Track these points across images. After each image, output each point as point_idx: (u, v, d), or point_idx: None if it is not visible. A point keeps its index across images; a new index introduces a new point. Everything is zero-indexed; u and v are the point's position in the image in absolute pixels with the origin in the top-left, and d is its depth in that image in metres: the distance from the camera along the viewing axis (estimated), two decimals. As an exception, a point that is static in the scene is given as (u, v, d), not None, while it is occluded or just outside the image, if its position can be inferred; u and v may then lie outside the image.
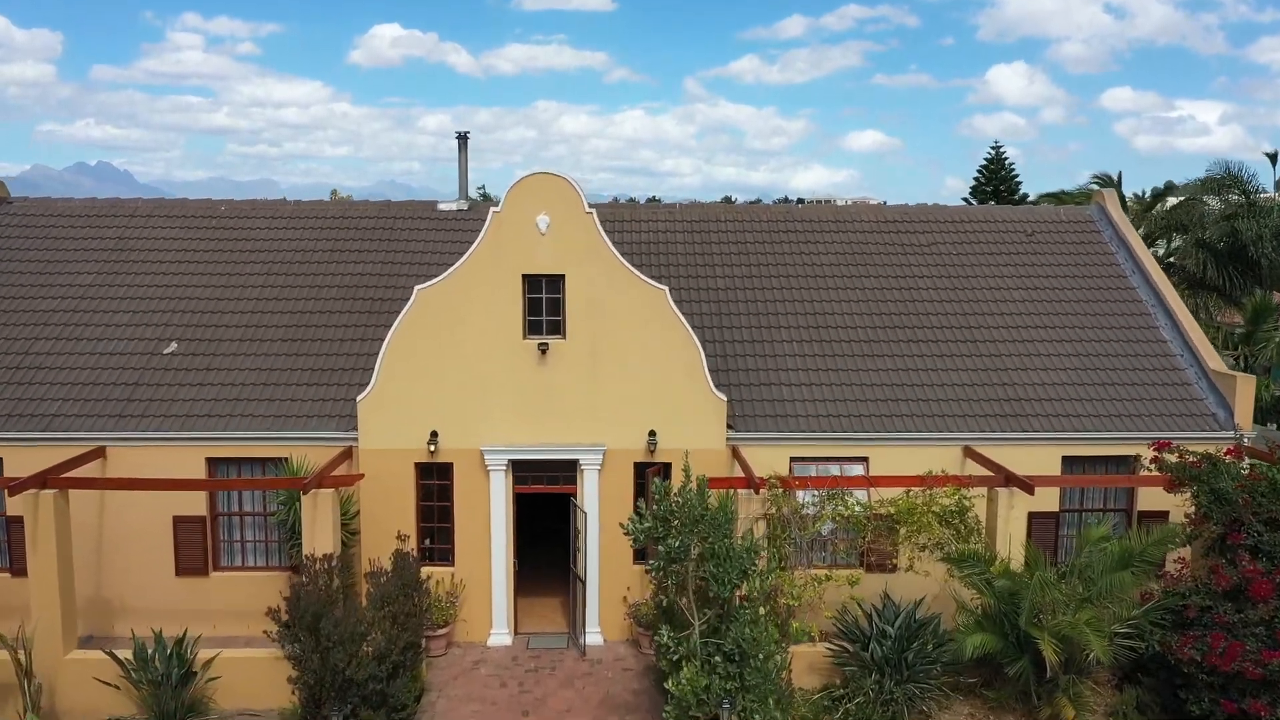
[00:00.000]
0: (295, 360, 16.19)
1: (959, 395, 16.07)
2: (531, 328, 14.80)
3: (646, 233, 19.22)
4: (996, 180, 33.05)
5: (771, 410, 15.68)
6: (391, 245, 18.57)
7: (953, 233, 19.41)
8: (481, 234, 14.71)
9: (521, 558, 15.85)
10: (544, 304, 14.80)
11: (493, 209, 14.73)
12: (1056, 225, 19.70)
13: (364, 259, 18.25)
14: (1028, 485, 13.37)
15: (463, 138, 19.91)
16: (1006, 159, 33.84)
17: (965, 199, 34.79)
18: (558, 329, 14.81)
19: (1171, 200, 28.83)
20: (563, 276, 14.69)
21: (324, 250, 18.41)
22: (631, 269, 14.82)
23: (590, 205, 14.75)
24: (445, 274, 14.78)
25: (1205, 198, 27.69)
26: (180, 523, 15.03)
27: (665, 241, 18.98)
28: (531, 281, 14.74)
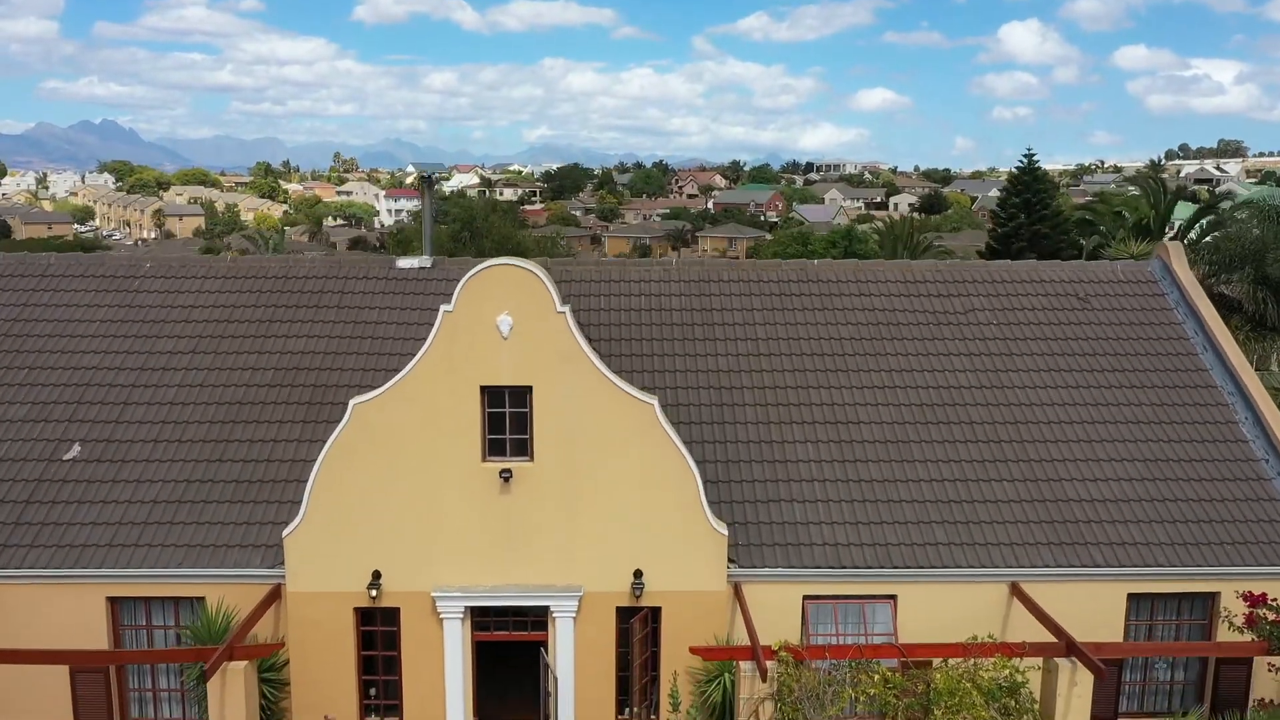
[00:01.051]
0: (219, 468, 13.71)
1: (1004, 515, 13.55)
2: (492, 448, 12.28)
3: (638, 295, 16.59)
4: (1029, 192, 30.26)
5: (781, 536, 13.19)
6: (342, 312, 15.98)
7: (992, 295, 16.75)
8: (430, 337, 12.14)
9: (491, 706, 13.45)
10: (507, 420, 12.26)
11: (443, 308, 12.14)
12: (1113, 286, 17.00)
13: (309, 330, 15.68)
14: (1097, 668, 10.90)
15: (426, 180, 17.28)
16: (1038, 166, 31.01)
17: (993, 211, 32.04)
18: (524, 449, 12.28)
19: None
20: (529, 388, 12.15)
21: (262, 320, 15.84)
22: (614, 378, 12.25)
23: (563, 306, 12.12)
24: (387, 385, 12.24)
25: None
26: (79, 675, 12.65)
27: (660, 308, 16.35)
28: (492, 394, 12.19)
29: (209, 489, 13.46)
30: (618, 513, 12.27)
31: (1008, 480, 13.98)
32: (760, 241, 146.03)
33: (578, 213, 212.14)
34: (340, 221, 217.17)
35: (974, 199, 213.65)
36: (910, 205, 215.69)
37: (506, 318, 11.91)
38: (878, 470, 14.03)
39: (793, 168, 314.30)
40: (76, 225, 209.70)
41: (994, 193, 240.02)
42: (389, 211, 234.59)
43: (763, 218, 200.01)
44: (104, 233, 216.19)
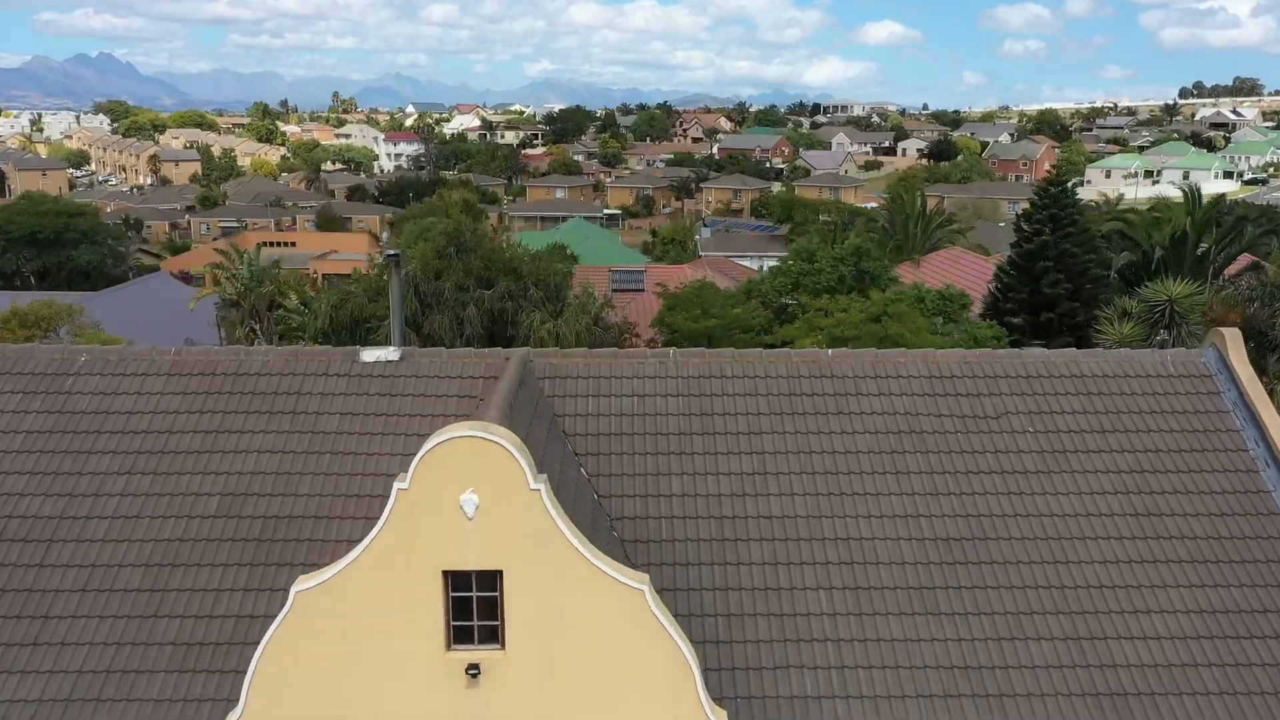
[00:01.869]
0: (154, 627, 12.13)
1: (1043, 685, 11.96)
2: (458, 635, 10.65)
3: (630, 395, 14.81)
4: (1055, 206, 28.17)
5: (790, 712, 11.62)
6: (298, 420, 14.23)
7: (1026, 394, 14.94)
8: (383, 518, 10.43)
9: None
10: (475, 605, 10.61)
11: (397, 484, 10.39)
12: (1162, 382, 15.18)
13: (260, 443, 13.95)
14: None
15: (395, 260, 15.42)
16: (1065, 180, 28.89)
17: (1016, 222, 29.99)
18: (494, 636, 10.66)
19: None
20: (500, 572, 10.48)
21: (208, 430, 14.10)
22: (598, 560, 10.55)
23: (537, 480, 10.36)
24: (334, 568, 10.56)
25: None
26: None
27: (654, 411, 14.58)
28: (456, 577, 10.53)
29: (142, 654, 11.89)
30: (603, 709, 10.70)
31: (1046, 639, 12.36)
32: (766, 193, 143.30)
33: (580, 157, 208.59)
34: (339, 166, 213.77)
35: (984, 145, 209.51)
36: (919, 150, 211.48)
37: (472, 496, 10.19)
38: (899, 627, 12.41)
39: (799, 109, 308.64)
40: (72, 170, 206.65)
41: (1005, 138, 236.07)
42: (389, 156, 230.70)
43: (768, 164, 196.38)
44: (100, 178, 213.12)
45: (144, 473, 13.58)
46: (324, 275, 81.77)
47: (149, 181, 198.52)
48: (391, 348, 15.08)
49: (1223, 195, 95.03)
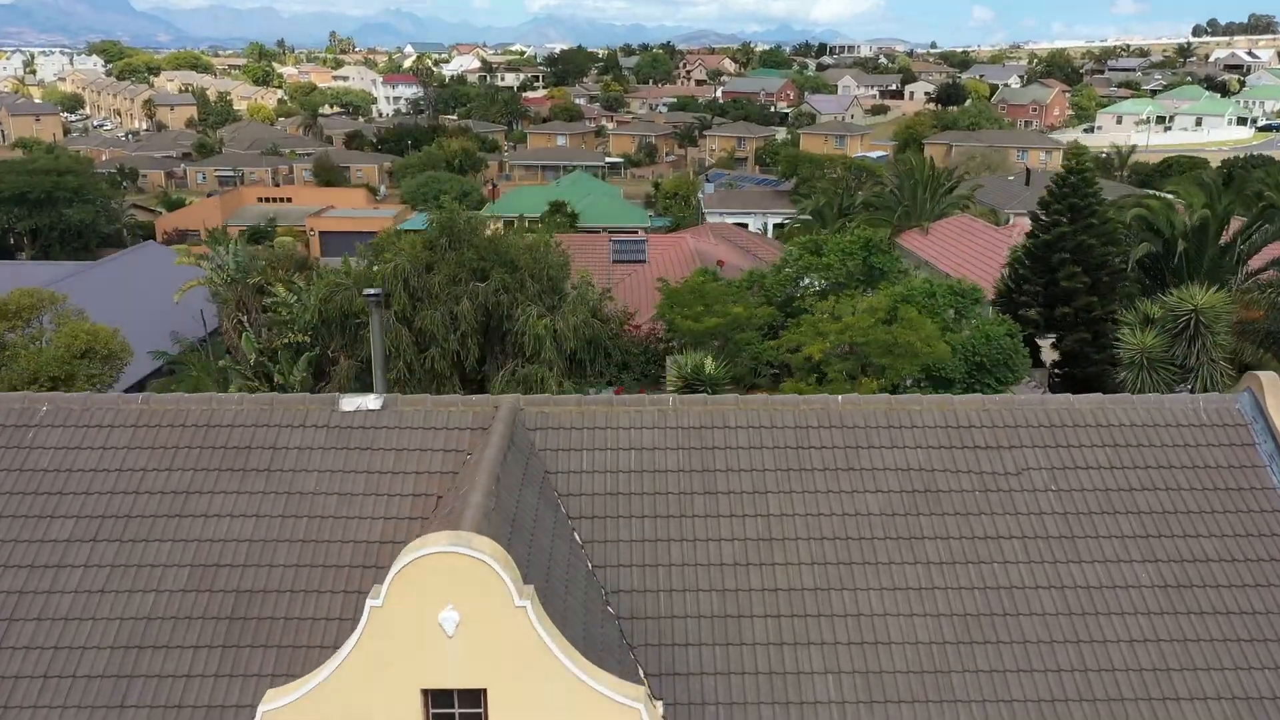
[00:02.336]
0: (119, 718, 11.40)
1: (1064, 784, 11.23)
2: (440, 752, 9.90)
3: (628, 448, 13.90)
4: (1075, 195, 26.92)
5: (795, 815, 10.93)
6: (273, 479, 13.36)
7: (1049, 446, 14.03)
8: (356, 634, 9.60)
9: None
10: (457, 721, 9.84)
11: (370, 601, 9.54)
12: (1194, 432, 14.24)
13: (233, 506, 13.11)
14: None
15: (376, 300, 14.43)
16: (1088, 168, 27.59)
17: (1034, 213, 28.74)
18: (479, 752, 9.90)
19: None
20: (484, 690, 9.69)
21: (177, 490, 13.24)
22: (590, 678, 9.75)
23: (523, 597, 9.50)
24: (301, 688, 9.76)
25: None
26: None
27: (653, 467, 13.69)
28: (438, 696, 9.74)
29: (107, 752, 11.20)
30: (595, 828, 9.98)
31: (1070, 729, 11.62)
32: (770, 141, 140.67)
33: (581, 101, 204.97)
34: (336, 110, 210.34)
35: (993, 88, 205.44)
36: (926, 94, 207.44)
37: (452, 613, 9.35)
38: (912, 716, 11.67)
39: (804, 50, 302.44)
40: (66, 115, 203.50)
41: (1014, 81, 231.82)
42: (387, 99, 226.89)
43: (773, 108, 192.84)
44: (95, 122, 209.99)
45: (110, 540, 12.77)
46: (320, 233, 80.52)
47: (144, 127, 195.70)
48: (372, 396, 14.14)
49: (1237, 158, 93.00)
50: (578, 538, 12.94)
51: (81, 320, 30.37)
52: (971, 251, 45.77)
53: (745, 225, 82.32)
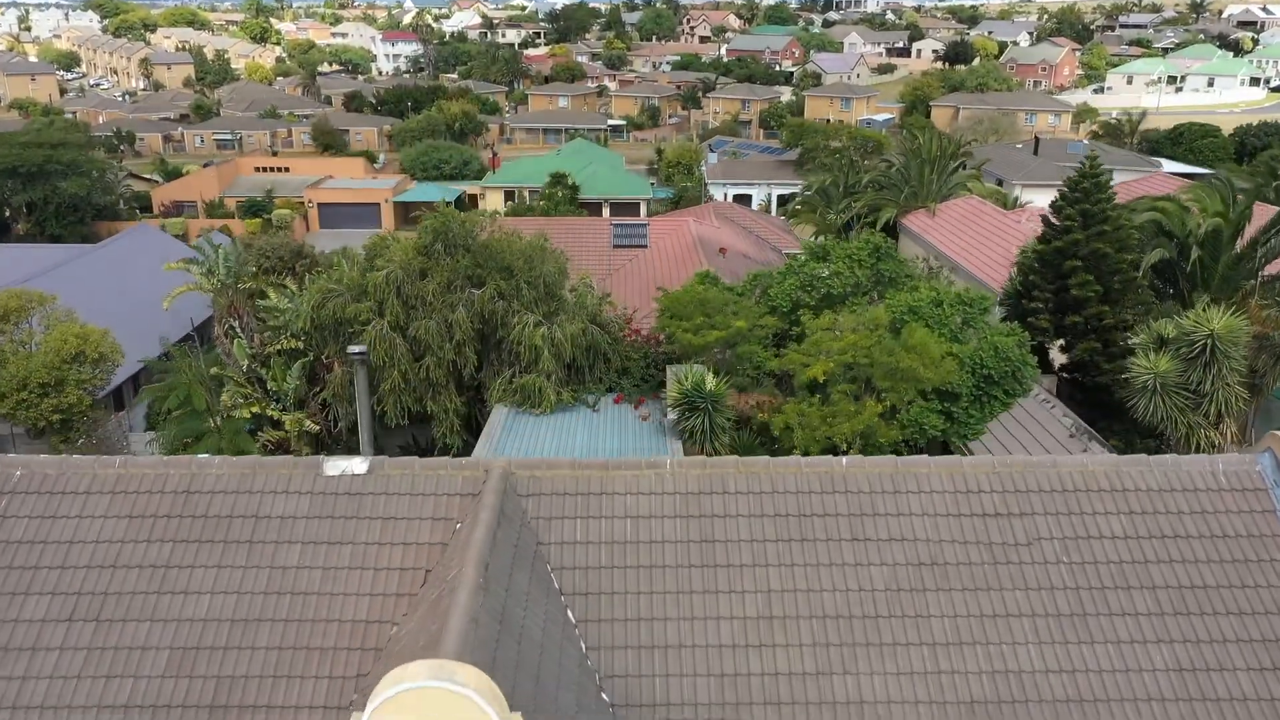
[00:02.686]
0: (96, 818, 11.03)
1: None
2: None
3: (623, 517, 13.39)
4: (1087, 200, 26.07)
5: None
6: (255, 551, 12.88)
7: (1061, 514, 13.49)
8: (335, 766, 9.17)
9: None
10: None
11: (350, 733, 9.11)
12: (1212, 497, 13.70)
13: (214, 582, 12.64)
14: None
15: (361, 359, 13.83)
16: (1101, 170, 26.73)
17: (1044, 217, 27.90)
18: None
19: None
20: (470, 820, 9.26)
21: (155, 564, 12.77)
22: (579, 807, 9.34)
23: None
24: (282, 818, 9.35)
25: None
26: None
27: (649, 538, 13.18)
28: (420, 824, 9.31)
29: None
30: None
31: (1079, 831, 11.23)
32: (775, 103, 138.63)
33: (583, 59, 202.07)
34: (335, 68, 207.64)
35: (1002, 46, 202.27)
36: (934, 53, 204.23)
37: (434, 748, 8.90)
38: (916, 815, 11.28)
39: (810, 5, 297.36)
40: (62, 73, 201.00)
41: (1024, 38, 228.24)
42: (387, 57, 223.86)
43: (778, 67, 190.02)
44: (91, 81, 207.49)
45: (86, 619, 12.33)
46: (319, 205, 79.56)
47: (141, 86, 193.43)
48: (359, 459, 13.62)
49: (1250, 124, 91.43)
50: (571, 616, 12.49)
51: (71, 323, 29.81)
52: (978, 237, 44.94)
53: (749, 198, 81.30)
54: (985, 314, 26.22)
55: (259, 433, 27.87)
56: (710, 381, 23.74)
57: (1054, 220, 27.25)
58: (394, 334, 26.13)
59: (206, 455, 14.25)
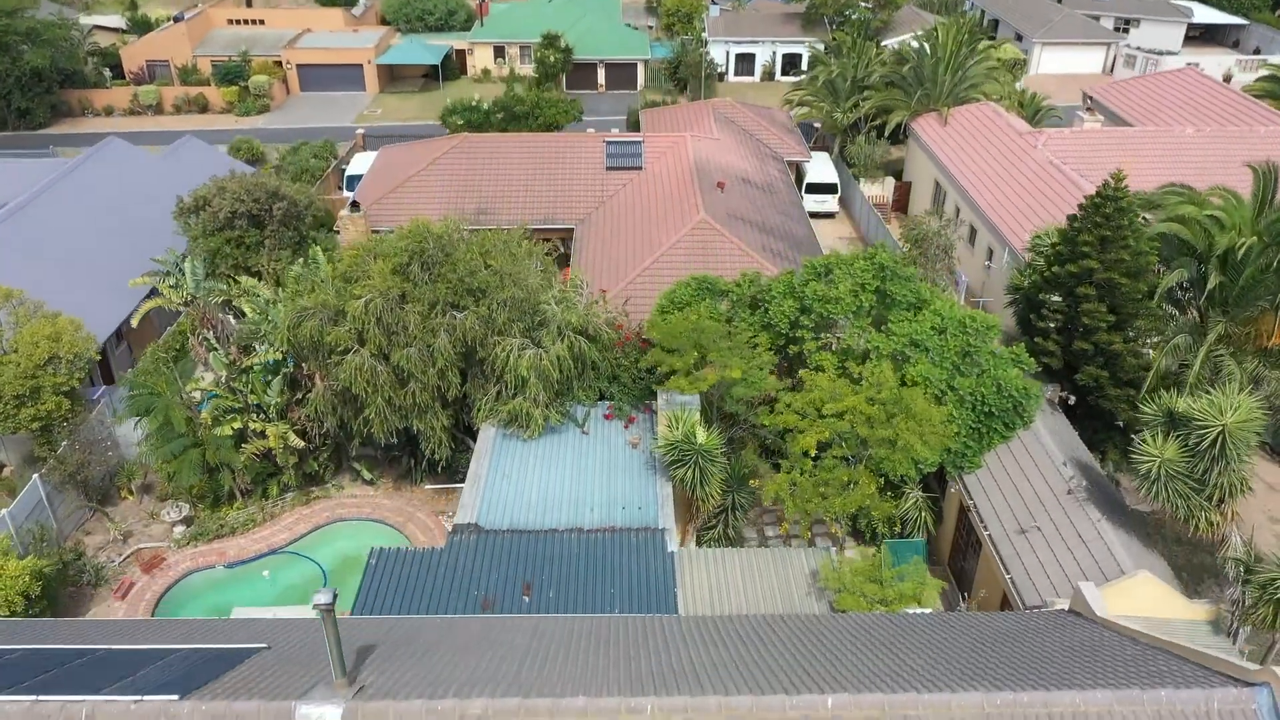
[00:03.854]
0: None
1: None
2: None
3: (602, 765, 13.20)
4: (1107, 226, 24.35)
5: None
6: (231, 811, 12.79)
7: (1049, 758, 13.30)
8: None
9: None
10: None
11: None
12: (1202, 739, 13.46)
13: (192, 845, 12.61)
14: None
15: (328, 610, 13.21)
16: (1124, 190, 24.90)
17: (1054, 243, 26.21)
18: None
19: None
20: None
21: (134, 829, 12.71)
22: None
23: None
24: None
25: None
26: None
27: (629, 791, 13.05)
28: None
29: None
30: None
31: None
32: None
33: None
34: None
35: None
36: None
37: None
38: None
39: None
40: None
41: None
42: None
43: None
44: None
45: None
46: (298, 66, 75.31)
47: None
48: (330, 705, 13.30)
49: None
50: None
51: (41, 320, 28.73)
52: (990, 160, 42.68)
53: (753, 59, 76.84)
54: (993, 334, 25.21)
55: (243, 444, 27.41)
56: (701, 435, 23.09)
57: (1064, 250, 25.69)
58: (375, 362, 25.28)
59: (176, 702, 13.80)
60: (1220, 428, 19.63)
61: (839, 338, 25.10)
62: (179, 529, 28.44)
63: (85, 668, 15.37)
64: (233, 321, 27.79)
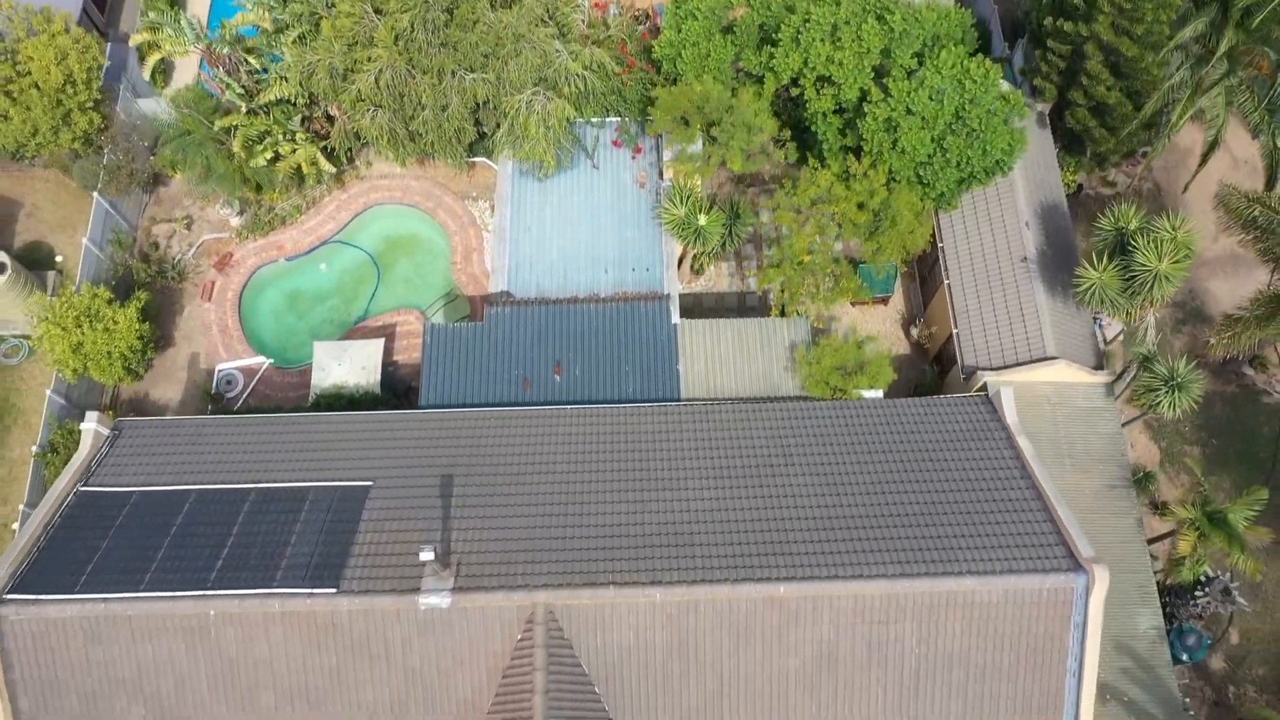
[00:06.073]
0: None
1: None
2: None
3: (627, 628, 19.82)
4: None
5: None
6: (391, 653, 19.79)
7: (920, 619, 19.84)
8: None
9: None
10: None
11: None
12: (1031, 607, 19.81)
13: (375, 675, 19.87)
14: None
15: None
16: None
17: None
18: None
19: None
20: None
21: (330, 666, 19.83)
22: None
23: None
24: None
25: None
26: None
27: (642, 644, 19.88)
28: None
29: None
30: None
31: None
32: None
33: None
34: None
35: None
36: None
37: None
38: (791, 791, 20.64)
39: None
40: None
41: None
42: None
43: None
44: None
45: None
46: None
47: None
48: (437, 598, 19.53)
49: None
50: (597, 691, 20.04)
51: (43, 36, 28.85)
52: None
53: None
54: (991, 85, 25.83)
55: (275, 164, 29.29)
56: (703, 219, 25.63)
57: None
58: (393, 128, 26.52)
59: (334, 595, 19.75)
60: (1154, 271, 22.49)
61: (840, 86, 25.56)
62: (235, 219, 31.72)
63: (251, 517, 21.07)
64: (243, 55, 27.69)
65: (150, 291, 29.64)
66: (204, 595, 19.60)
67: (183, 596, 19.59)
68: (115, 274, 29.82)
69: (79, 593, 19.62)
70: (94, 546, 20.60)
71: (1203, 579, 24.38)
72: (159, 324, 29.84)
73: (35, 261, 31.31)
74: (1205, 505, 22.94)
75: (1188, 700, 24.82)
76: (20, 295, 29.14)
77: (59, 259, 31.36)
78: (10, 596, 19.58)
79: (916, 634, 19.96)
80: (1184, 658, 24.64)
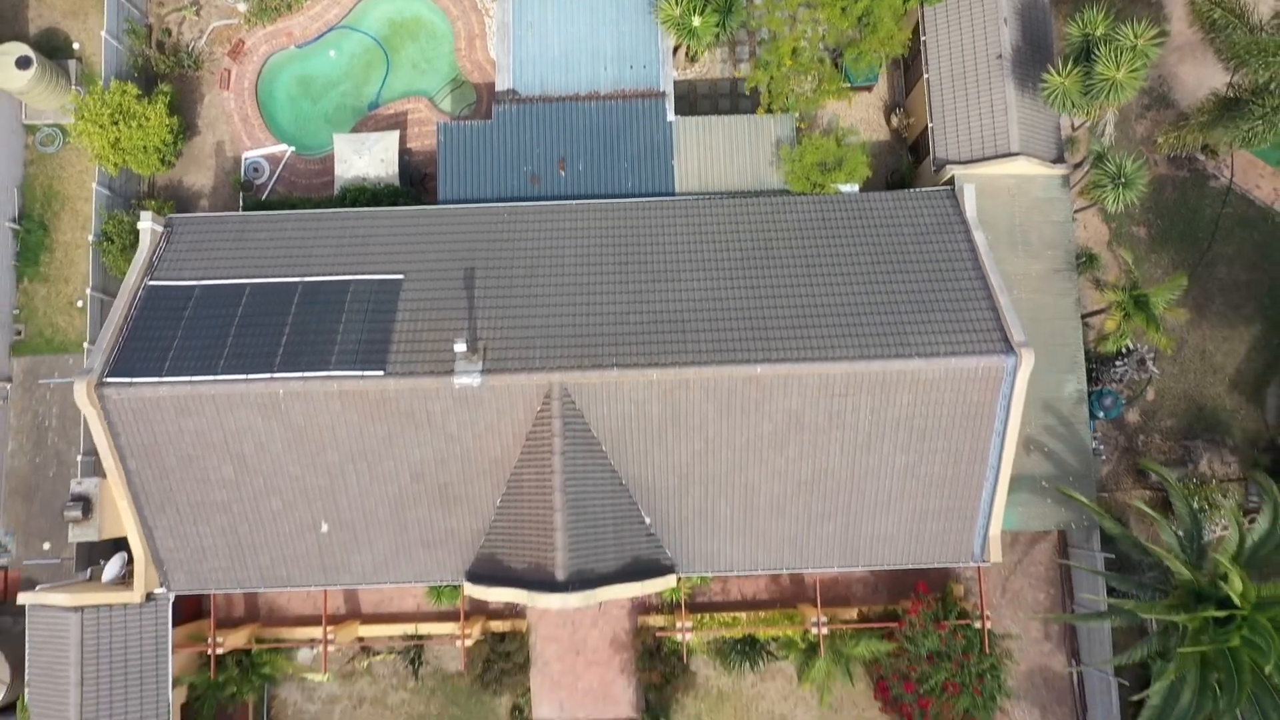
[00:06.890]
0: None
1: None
2: None
3: (629, 401, 23.67)
4: None
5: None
6: (433, 424, 23.78)
7: (874, 394, 23.65)
8: (524, 605, 23.22)
9: None
10: None
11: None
12: (963, 375, 23.55)
13: (415, 440, 23.99)
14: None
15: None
16: None
17: None
18: None
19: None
20: (576, 600, 23.76)
21: (379, 435, 23.88)
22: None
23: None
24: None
25: None
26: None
27: (641, 414, 23.81)
28: (557, 599, 23.83)
29: (406, 547, 25.50)
30: None
31: (833, 527, 25.52)
32: None
33: None
34: None
35: None
36: None
37: (562, 608, 22.93)
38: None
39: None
40: None
41: None
42: None
43: None
44: None
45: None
46: None
47: None
48: (468, 379, 23.23)
49: None
50: (612, 461, 24.19)
51: None
52: None
53: None
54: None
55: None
56: (697, 20, 26.97)
57: None
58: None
59: (383, 378, 23.32)
60: (1111, 79, 24.40)
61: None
62: (241, 4, 32.62)
63: (300, 312, 24.36)
64: None
65: (171, 83, 31.18)
66: (272, 378, 23.22)
67: (255, 379, 23.21)
68: (135, 66, 31.21)
69: (167, 375, 23.23)
70: (170, 334, 23.98)
71: (1125, 350, 28.12)
72: (183, 113, 31.61)
73: (54, 49, 32.45)
74: (1132, 289, 26.18)
75: (1100, 448, 29.38)
76: (47, 87, 30.70)
77: (75, 46, 32.50)
78: (110, 380, 23.21)
79: (870, 404, 23.84)
80: (1100, 414, 28.86)
